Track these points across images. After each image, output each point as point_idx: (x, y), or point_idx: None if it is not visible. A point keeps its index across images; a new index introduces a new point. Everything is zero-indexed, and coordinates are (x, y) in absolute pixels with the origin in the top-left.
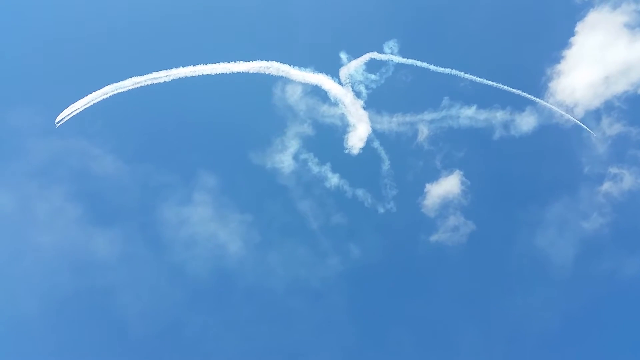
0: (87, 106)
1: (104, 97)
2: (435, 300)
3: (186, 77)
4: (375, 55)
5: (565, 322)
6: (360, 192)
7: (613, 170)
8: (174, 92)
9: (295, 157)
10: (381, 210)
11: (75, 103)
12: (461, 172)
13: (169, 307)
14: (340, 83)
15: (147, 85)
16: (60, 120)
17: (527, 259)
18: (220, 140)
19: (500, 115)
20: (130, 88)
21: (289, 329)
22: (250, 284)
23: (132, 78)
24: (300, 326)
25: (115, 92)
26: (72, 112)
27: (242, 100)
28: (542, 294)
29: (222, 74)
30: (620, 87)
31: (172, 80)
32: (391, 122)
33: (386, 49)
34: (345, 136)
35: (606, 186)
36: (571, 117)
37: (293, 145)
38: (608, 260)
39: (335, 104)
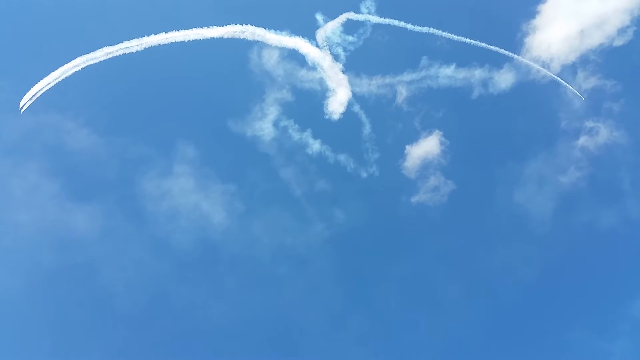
0: (58, 80)
1: (75, 69)
2: (419, 259)
3: (159, 45)
4: (351, 15)
5: (545, 274)
6: (342, 157)
7: (589, 124)
8: (148, 61)
9: (276, 124)
10: (364, 174)
11: (46, 78)
12: (440, 132)
13: (155, 279)
14: (317, 46)
15: (119, 55)
16: (24, 104)
17: (506, 215)
18: (198, 110)
19: (478, 74)
20: (102, 59)
21: (276, 295)
22: (236, 253)
23: (104, 48)
24: (288, 292)
25: (87, 63)
26: (37, 92)
27: (218, 67)
28: (522, 249)
29: (196, 40)
30: (596, 40)
31: (145, 49)
32: (370, 85)
33: (363, 9)
34: (325, 101)
35: (582, 140)
36: (558, 79)
37: (272, 112)
38: (585, 213)
39: (313, 68)
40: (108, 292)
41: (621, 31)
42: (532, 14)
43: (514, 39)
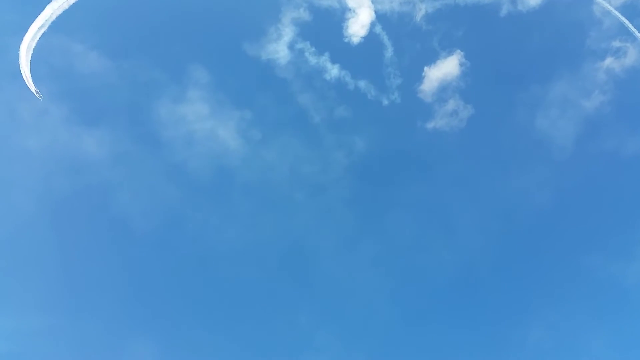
0: (67, 5)
1: None
2: (435, 186)
3: None
4: None
5: (563, 200)
6: (362, 84)
7: (616, 44)
8: None
9: (291, 47)
10: (385, 101)
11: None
12: (462, 52)
13: (168, 204)
14: None
15: None
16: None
17: (526, 140)
18: (211, 31)
19: None
20: None
21: (290, 221)
22: (251, 180)
23: None
24: (302, 218)
25: None
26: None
27: None
28: (540, 174)
29: None
30: None
31: None
32: (393, 2)
33: None
34: (345, 23)
35: (608, 61)
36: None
37: (288, 33)
38: (608, 140)
39: None
40: (121, 216)
41: None
42: None
43: None
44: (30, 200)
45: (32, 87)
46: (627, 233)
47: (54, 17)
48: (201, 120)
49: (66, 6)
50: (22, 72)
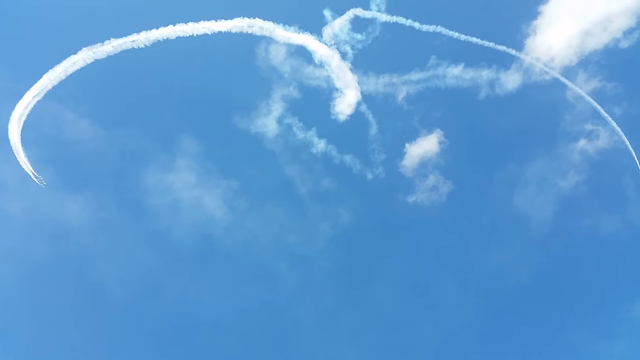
0: (62, 77)
1: (81, 65)
2: (417, 259)
3: (167, 38)
4: (359, 11)
5: (544, 277)
6: (348, 158)
7: (588, 127)
8: (154, 53)
9: (280, 122)
10: (370, 176)
11: (51, 71)
12: (441, 132)
13: (150, 273)
14: (324, 43)
15: (126, 48)
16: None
17: (505, 217)
18: (203, 104)
19: (486, 74)
20: (108, 54)
21: (273, 292)
22: (235, 249)
23: (110, 40)
24: (286, 289)
25: (94, 58)
26: (42, 90)
27: (225, 62)
28: (520, 251)
29: (204, 34)
30: (599, 41)
31: (152, 42)
32: (377, 84)
33: (372, 6)
34: (332, 102)
35: (582, 143)
36: (576, 87)
37: (277, 109)
38: (584, 218)
39: (321, 65)
40: (100, 284)
41: (626, 33)
42: (534, 15)
43: (515, 40)
44: (7, 265)
45: (32, 174)
46: (610, 312)
47: (49, 87)
48: (188, 189)
49: (63, 76)
50: (18, 159)
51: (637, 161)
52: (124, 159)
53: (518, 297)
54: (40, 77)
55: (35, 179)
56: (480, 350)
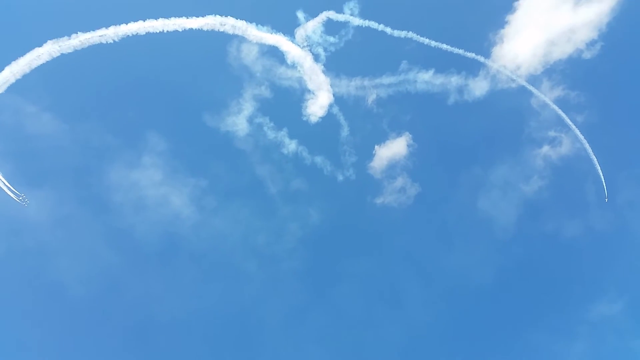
0: (26, 70)
1: (47, 59)
2: (383, 260)
3: (137, 34)
4: (332, 14)
5: (505, 278)
6: (319, 160)
7: (552, 133)
8: (123, 49)
9: (250, 121)
10: (340, 177)
11: (14, 63)
12: (410, 135)
13: (110, 269)
14: (297, 44)
15: (93, 43)
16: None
17: (470, 219)
18: (172, 101)
19: (455, 80)
20: (75, 48)
21: (240, 290)
22: (201, 248)
23: (78, 34)
24: (251, 289)
25: (60, 52)
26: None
27: (195, 59)
28: (483, 253)
29: (175, 31)
30: (563, 51)
31: (121, 37)
32: (349, 86)
33: (346, 10)
34: (304, 103)
35: (545, 149)
36: (543, 96)
37: (248, 108)
38: (548, 222)
39: (293, 66)
40: (60, 283)
41: (589, 44)
42: (502, 24)
43: (482, 47)
44: None
45: (12, 192)
46: (569, 313)
47: (12, 80)
48: (154, 187)
49: (27, 70)
50: None
51: (604, 184)
52: (86, 154)
53: (481, 298)
54: (2, 69)
55: (15, 198)
56: (444, 350)
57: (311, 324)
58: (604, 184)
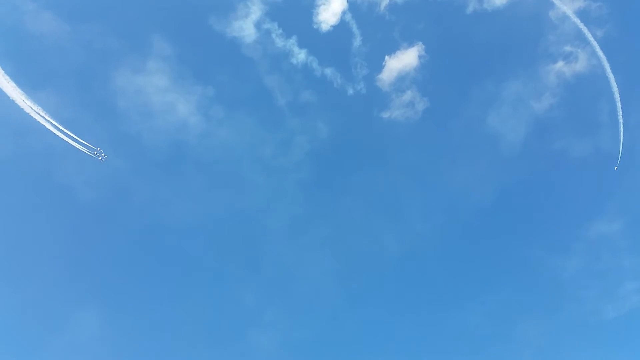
0: None
1: None
2: (389, 173)
3: None
4: None
5: (508, 195)
6: (329, 71)
7: (568, 48)
8: None
9: (258, 26)
10: (350, 91)
11: None
12: (423, 46)
13: (120, 175)
14: None
15: None
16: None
17: (477, 136)
18: (176, 2)
19: None
20: None
21: (245, 200)
22: (209, 157)
23: None
24: (258, 197)
25: None
26: None
27: None
28: (488, 169)
29: None
30: None
31: None
32: None
33: None
34: (316, 9)
35: (559, 65)
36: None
37: (256, 11)
38: (556, 141)
39: None
40: (66, 185)
41: None
42: None
43: None
44: None
45: (89, 148)
46: (567, 230)
47: None
48: (160, 93)
49: None
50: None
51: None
52: (89, 57)
53: (482, 213)
54: None
55: (89, 153)
56: (440, 262)
57: (314, 231)
58: (621, 147)
